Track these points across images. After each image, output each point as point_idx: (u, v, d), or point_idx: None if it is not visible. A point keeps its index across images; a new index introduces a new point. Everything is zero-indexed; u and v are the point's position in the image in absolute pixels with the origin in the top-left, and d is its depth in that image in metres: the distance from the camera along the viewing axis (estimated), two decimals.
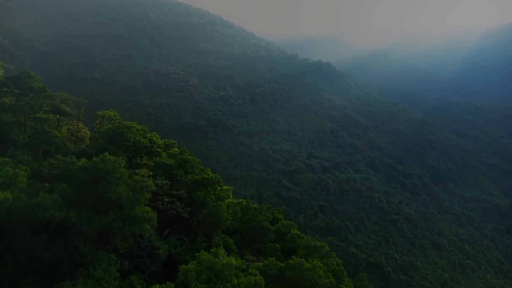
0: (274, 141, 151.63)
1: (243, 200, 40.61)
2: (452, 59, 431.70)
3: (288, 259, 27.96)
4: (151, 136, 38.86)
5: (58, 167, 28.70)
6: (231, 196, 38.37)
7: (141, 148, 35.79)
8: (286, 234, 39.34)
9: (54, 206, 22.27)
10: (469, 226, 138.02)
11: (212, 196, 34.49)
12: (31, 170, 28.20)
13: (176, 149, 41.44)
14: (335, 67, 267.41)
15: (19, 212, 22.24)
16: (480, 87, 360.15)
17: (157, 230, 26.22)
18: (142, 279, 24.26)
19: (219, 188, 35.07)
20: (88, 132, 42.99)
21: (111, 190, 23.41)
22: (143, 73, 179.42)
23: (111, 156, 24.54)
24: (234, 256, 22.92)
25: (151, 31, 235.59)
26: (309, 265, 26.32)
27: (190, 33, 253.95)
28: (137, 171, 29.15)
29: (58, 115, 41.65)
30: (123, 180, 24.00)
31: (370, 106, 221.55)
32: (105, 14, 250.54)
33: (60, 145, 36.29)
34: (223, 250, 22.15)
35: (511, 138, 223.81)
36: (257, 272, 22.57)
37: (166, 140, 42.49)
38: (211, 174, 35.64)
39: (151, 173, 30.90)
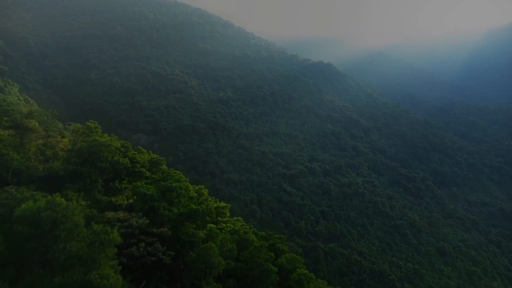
0: (275, 144, 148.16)
1: (241, 227, 35.67)
2: (453, 60, 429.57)
3: None
4: (134, 154, 34.65)
5: (6, 204, 23.10)
6: (228, 214, 34.61)
7: (120, 169, 31.73)
8: (291, 272, 33.87)
9: None
10: (474, 231, 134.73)
11: (203, 232, 29.44)
12: None
13: (164, 166, 37.30)
14: (336, 68, 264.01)
15: None
16: (481, 88, 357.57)
17: (131, 281, 22.13)
18: None
19: (211, 224, 30.32)
20: (70, 146, 37.92)
21: (59, 248, 17.63)
22: (140, 74, 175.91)
23: (63, 199, 18.92)
24: None
25: (149, 31, 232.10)
26: None
27: (189, 33, 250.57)
28: (113, 199, 25.14)
29: (21, 132, 36.14)
30: (77, 232, 18.44)
31: (371, 107, 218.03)
32: (102, 14, 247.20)
33: (22, 169, 30.45)
34: None
35: None
36: None
37: (153, 156, 38.21)
38: (205, 197, 31.56)
39: (131, 200, 27.04)
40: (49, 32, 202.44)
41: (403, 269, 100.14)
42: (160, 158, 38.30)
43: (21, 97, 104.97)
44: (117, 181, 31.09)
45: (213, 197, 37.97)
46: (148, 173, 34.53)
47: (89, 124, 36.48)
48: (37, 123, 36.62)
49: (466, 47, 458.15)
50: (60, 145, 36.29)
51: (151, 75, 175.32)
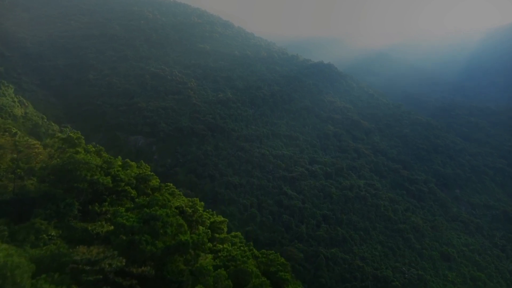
0: (275, 146, 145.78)
1: (239, 251, 32.35)
2: (454, 61, 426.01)
3: None
4: (118, 170, 31.10)
5: None
6: (225, 229, 32.04)
7: (101, 190, 28.27)
8: None
9: None
10: (478, 235, 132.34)
11: (194, 266, 25.66)
12: None
13: (154, 181, 33.78)
14: (337, 68, 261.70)
15: None
16: (482, 88, 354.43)
17: None
18: None
19: (202, 254, 26.89)
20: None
21: None
22: (139, 74, 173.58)
23: (4, 249, 15.59)
24: None
25: (148, 31, 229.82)
26: None
27: (188, 34, 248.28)
28: (90, 226, 22.14)
29: None
30: None
31: (373, 108, 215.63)
32: (101, 14, 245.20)
33: None
34: None
35: None
36: None
37: (142, 171, 34.55)
38: (200, 213, 28.61)
39: (111, 227, 23.94)
40: (47, 32, 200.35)
41: (406, 275, 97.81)
42: (149, 173, 34.45)
43: (15, 99, 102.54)
44: (96, 204, 27.64)
45: (210, 210, 35.13)
46: (133, 192, 31.14)
47: (72, 134, 33.08)
48: (17, 132, 33.39)
49: (466, 48, 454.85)
50: (40, 157, 32.18)
51: (150, 76, 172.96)
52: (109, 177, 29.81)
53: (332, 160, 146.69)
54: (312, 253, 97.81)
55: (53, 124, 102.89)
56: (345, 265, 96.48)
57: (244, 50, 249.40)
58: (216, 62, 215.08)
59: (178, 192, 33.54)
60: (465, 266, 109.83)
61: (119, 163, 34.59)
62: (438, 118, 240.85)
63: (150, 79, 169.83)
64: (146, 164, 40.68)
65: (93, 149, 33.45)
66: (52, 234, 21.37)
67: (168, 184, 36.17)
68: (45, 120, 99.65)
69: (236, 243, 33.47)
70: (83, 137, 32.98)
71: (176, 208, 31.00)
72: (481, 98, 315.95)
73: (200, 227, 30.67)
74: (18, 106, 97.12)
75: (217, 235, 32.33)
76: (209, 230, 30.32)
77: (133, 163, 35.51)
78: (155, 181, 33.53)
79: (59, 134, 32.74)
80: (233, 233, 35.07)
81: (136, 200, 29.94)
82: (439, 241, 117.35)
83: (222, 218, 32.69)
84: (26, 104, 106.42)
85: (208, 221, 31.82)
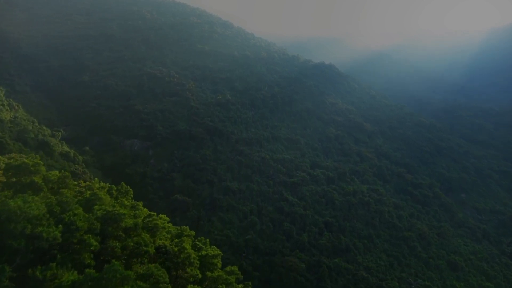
0: (275, 150, 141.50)
1: None
2: (455, 61, 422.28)
3: None
4: (74, 215, 24.20)
5: None
6: (219, 265, 27.56)
7: (46, 246, 20.95)
8: None
9: None
10: (485, 241, 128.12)
11: None
12: None
13: (128, 220, 26.66)
14: (338, 68, 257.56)
15: None
16: (485, 89, 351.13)
17: None
18: None
19: None
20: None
21: None
22: (136, 76, 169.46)
23: None
24: None
25: (146, 31, 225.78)
26: None
27: (187, 34, 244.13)
28: None
29: None
30: None
31: (375, 110, 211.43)
32: (98, 14, 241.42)
33: None
34: None
35: None
36: None
37: (111, 209, 27.06)
38: (187, 253, 23.86)
39: None
40: (43, 32, 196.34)
41: (413, 286, 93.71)
42: (120, 213, 26.81)
43: (5, 102, 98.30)
44: (39, 266, 20.41)
45: (202, 238, 30.50)
46: (94, 242, 23.86)
47: (27, 161, 26.58)
48: None
49: (467, 48, 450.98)
50: None
51: (147, 77, 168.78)
52: (60, 226, 22.65)
53: (334, 164, 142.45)
54: (314, 263, 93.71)
55: (44, 128, 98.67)
56: (349, 276, 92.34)
57: (244, 50, 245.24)
58: (215, 63, 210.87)
59: (162, 223, 28.27)
60: (473, 275, 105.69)
61: (87, 194, 28.62)
62: (441, 119, 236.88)
63: (147, 81, 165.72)
64: (128, 187, 35.23)
65: (56, 176, 28.20)
66: None
67: (152, 214, 30.57)
68: (36, 124, 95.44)
69: (231, 284, 28.54)
70: (42, 162, 27.01)
71: (157, 248, 26.40)
72: (483, 99, 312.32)
73: (188, 269, 26.21)
74: (7, 109, 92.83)
75: (209, 274, 27.28)
76: (198, 273, 25.43)
77: (105, 196, 29.61)
78: (128, 220, 26.64)
79: (11, 161, 26.80)
80: (228, 268, 29.31)
81: (86, 271, 21.91)
82: (445, 249, 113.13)
83: (216, 251, 27.99)
84: (17, 107, 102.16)
85: (198, 260, 26.24)
